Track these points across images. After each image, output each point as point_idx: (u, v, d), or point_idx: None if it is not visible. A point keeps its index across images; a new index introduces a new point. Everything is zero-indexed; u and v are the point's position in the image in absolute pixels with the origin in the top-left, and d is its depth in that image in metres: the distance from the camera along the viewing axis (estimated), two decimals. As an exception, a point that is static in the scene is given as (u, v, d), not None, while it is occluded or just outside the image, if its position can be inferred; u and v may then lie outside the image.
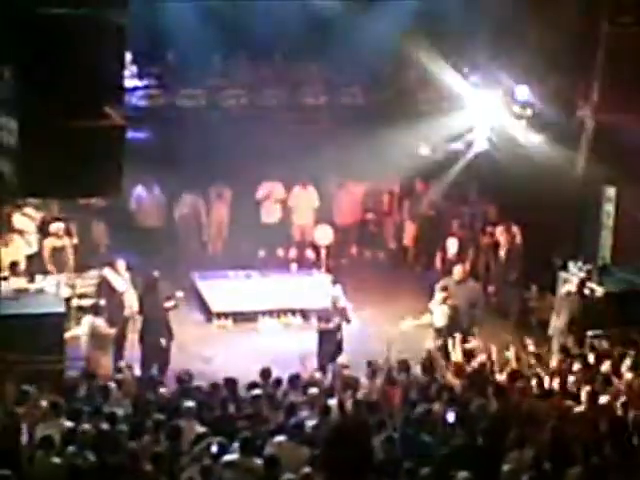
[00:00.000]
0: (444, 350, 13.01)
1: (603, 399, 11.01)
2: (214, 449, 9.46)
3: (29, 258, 14.85)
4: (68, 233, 15.35)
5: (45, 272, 14.51)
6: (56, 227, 15.11)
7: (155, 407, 10.66)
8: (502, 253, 16.43)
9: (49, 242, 15.01)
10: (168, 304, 13.52)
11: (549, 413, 10.65)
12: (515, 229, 16.43)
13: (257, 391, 10.93)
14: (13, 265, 14.10)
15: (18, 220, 15.19)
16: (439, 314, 13.58)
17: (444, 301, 13.59)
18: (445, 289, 13.73)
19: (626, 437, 10.00)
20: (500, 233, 16.58)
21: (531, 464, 9.20)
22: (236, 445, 9.53)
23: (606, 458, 9.47)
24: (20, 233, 15.02)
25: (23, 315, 12.71)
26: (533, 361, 12.38)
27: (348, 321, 13.70)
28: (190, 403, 10.41)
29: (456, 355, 12.61)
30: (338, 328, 13.52)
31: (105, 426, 9.86)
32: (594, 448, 9.59)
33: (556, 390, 11.45)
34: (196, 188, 17.63)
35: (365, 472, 9.14)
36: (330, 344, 13.30)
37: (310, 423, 10.19)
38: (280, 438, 9.71)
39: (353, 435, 9.62)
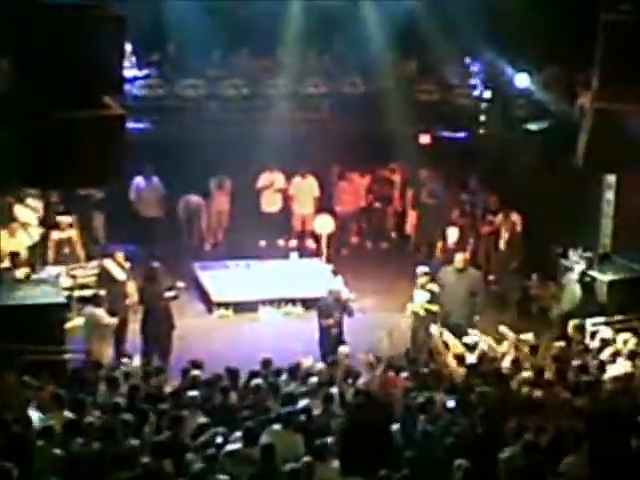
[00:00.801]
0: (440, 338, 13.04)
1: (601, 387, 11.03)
2: (219, 439, 9.49)
3: (30, 249, 14.86)
4: (72, 225, 15.40)
5: (45, 263, 14.52)
6: (62, 220, 15.18)
7: (157, 397, 10.68)
8: (502, 241, 16.45)
9: (55, 235, 15.03)
10: (169, 294, 13.53)
11: (548, 402, 10.66)
12: (515, 217, 16.45)
13: (258, 380, 10.95)
14: (14, 256, 14.13)
15: (20, 212, 15.20)
16: (419, 300, 13.54)
17: (423, 286, 13.55)
18: (427, 274, 13.68)
19: (623, 427, 10.01)
20: (500, 221, 16.61)
21: (528, 453, 9.21)
22: (238, 434, 9.56)
23: (602, 448, 9.48)
24: (23, 225, 15.03)
25: (24, 306, 12.71)
26: (532, 350, 12.38)
27: (350, 314, 13.66)
28: (194, 393, 10.43)
29: (455, 344, 12.60)
30: (339, 323, 13.48)
31: (107, 417, 9.88)
32: (591, 438, 9.62)
33: (556, 379, 11.45)
34: (196, 178, 17.61)
35: (383, 459, 9.16)
36: (331, 338, 13.25)
37: (309, 412, 10.22)
38: (275, 426, 9.73)
39: (373, 422, 9.69)
